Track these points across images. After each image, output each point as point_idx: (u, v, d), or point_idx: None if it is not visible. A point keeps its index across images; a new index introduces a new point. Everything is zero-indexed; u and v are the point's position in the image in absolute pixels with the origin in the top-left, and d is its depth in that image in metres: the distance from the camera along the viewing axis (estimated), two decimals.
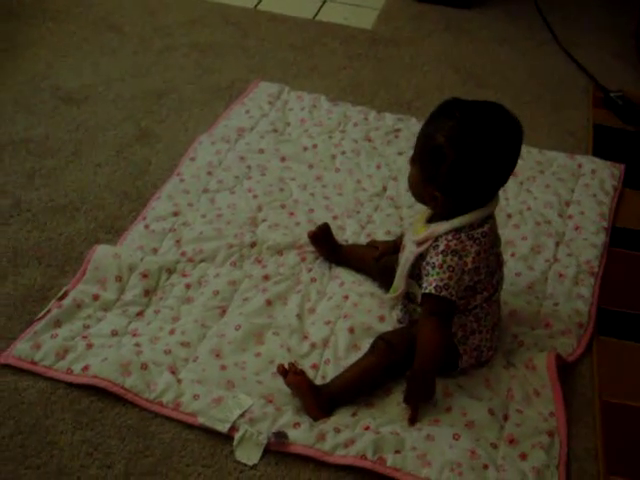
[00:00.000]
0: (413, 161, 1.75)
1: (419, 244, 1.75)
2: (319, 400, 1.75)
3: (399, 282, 1.83)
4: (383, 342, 1.80)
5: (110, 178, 2.39)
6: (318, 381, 1.81)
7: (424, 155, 1.71)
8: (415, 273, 1.79)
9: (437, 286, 1.69)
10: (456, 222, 1.71)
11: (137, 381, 1.78)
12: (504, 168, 1.71)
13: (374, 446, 1.68)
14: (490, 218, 1.76)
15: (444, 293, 1.69)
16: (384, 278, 1.99)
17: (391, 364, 1.79)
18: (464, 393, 1.81)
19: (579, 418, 1.81)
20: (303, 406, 1.76)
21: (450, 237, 1.70)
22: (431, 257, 1.72)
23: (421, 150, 1.72)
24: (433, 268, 1.70)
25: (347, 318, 1.96)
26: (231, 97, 2.81)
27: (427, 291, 1.71)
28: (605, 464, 1.71)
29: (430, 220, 1.78)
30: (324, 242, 2.12)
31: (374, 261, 2.03)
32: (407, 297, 1.86)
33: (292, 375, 1.75)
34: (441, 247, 1.70)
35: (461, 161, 1.64)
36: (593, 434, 1.78)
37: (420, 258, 1.75)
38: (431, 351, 1.73)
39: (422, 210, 1.84)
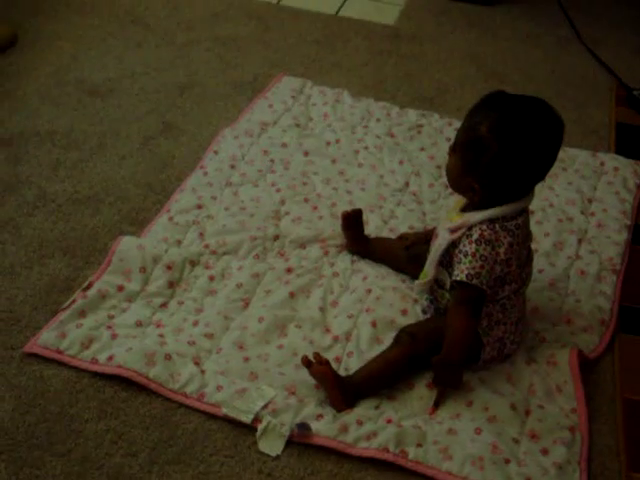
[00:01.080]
0: (453, 151, 1.75)
1: (452, 231, 1.75)
2: (343, 391, 1.76)
3: (429, 269, 1.84)
4: (407, 335, 1.81)
5: (134, 170, 2.41)
6: (341, 373, 1.82)
7: (466, 146, 1.71)
8: (446, 260, 1.79)
9: (469, 274, 1.70)
10: (491, 212, 1.71)
11: (161, 371, 1.79)
12: (544, 163, 1.71)
13: (396, 439, 1.69)
14: (524, 212, 1.77)
15: (475, 281, 1.70)
16: (413, 266, 2.00)
17: (414, 357, 1.80)
18: (486, 388, 1.82)
19: (601, 414, 1.81)
20: (327, 397, 1.77)
21: (485, 227, 1.71)
22: (464, 245, 1.72)
23: (463, 141, 1.72)
24: (466, 256, 1.71)
25: (370, 312, 1.97)
26: (254, 91, 2.82)
27: (458, 278, 1.72)
28: (627, 461, 1.71)
29: (464, 209, 1.78)
30: (354, 226, 2.13)
31: (403, 250, 2.04)
32: (436, 283, 1.86)
33: (317, 365, 1.77)
34: (475, 236, 1.71)
35: (503, 154, 1.64)
36: (614, 431, 1.78)
37: (452, 246, 1.76)
38: (459, 339, 1.74)
39: (457, 199, 1.85)
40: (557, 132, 1.69)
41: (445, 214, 1.89)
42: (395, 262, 2.09)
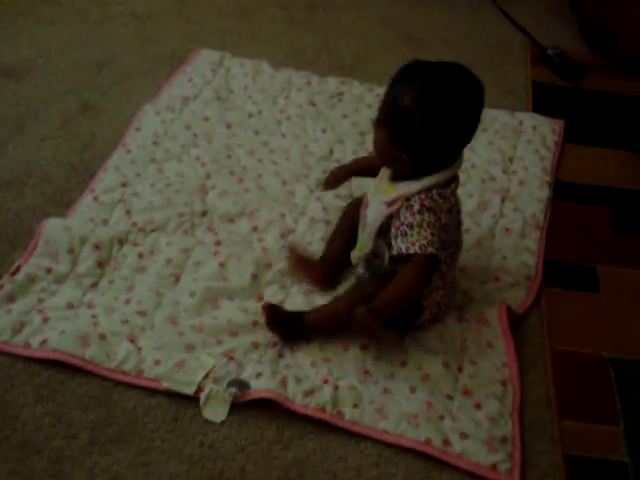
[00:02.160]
0: (378, 125, 1.74)
1: (389, 204, 1.75)
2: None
3: (367, 241, 1.85)
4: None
5: (56, 151, 2.37)
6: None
7: (390, 119, 1.70)
8: (382, 232, 1.80)
9: (422, 245, 1.70)
10: (427, 182, 1.72)
11: (97, 352, 1.79)
12: (470, 127, 1.72)
13: (333, 401, 1.73)
14: (455, 178, 1.78)
15: (430, 249, 1.71)
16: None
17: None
18: (419, 348, 1.86)
19: (531, 367, 1.87)
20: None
21: (423, 196, 1.71)
22: (406, 217, 1.72)
23: (387, 114, 1.72)
24: (412, 228, 1.71)
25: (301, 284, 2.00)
26: (173, 66, 2.80)
27: (411, 251, 1.71)
28: (558, 409, 1.77)
29: (394, 179, 1.78)
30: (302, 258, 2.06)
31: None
32: (372, 253, 1.87)
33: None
34: (416, 206, 1.71)
35: (429, 123, 1.65)
36: (545, 381, 1.84)
37: (389, 217, 1.77)
38: (404, 299, 1.75)
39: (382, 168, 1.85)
40: (478, 94, 1.70)
41: (373, 183, 1.89)
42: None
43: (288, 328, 1.83)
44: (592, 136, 2.61)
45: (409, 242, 1.72)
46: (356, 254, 1.91)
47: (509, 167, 2.42)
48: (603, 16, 2.92)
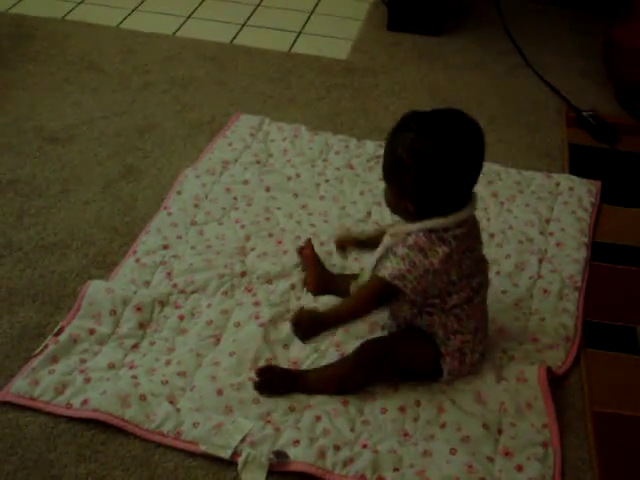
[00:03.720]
0: (384, 179, 1.80)
1: (392, 236, 1.79)
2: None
3: (368, 270, 1.88)
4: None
5: (99, 215, 2.42)
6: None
7: (390, 171, 1.76)
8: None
9: (392, 274, 1.73)
10: (428, 223, 1.73)
11: (137, 412, 1.80)
12: (469, 171, 1.74)
13: (373, 466, 1.71)
14: (466, 222, 1.78)
15: (397, 282, 1.73)
16: None
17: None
18: (457, 409, 1.85)
19: (572, 429, 1.85)
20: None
21: (421, 234, 1.73)
22: (397, 248, 1.76)
23: (386, 167, 1.77)
24: (395, 256, 1.74)
25: (339, 346, 2.00)
26: (213, 131, 2.86)
27: (380, 274, 1.75)
28: (600, 472, 1.75)
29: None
30: (312, 257, 2.19)
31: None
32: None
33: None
34: (409, 241, 1.74)
35: (424, 171, 1.68)
36: (586, 444, 1.82)
37: (389, 250, 1.79)
38: (348, 316, 1.83)
39: None
40: (475, 138, 1.72)
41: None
42: None
43: (281, 386, 1.88)
44: (629, 197, 2.61)
45: (384, 267, 1.75)
46: (355, 283, 1.94)
47: (546, 228, 2.43)
48: (637, 79, 2.94)
